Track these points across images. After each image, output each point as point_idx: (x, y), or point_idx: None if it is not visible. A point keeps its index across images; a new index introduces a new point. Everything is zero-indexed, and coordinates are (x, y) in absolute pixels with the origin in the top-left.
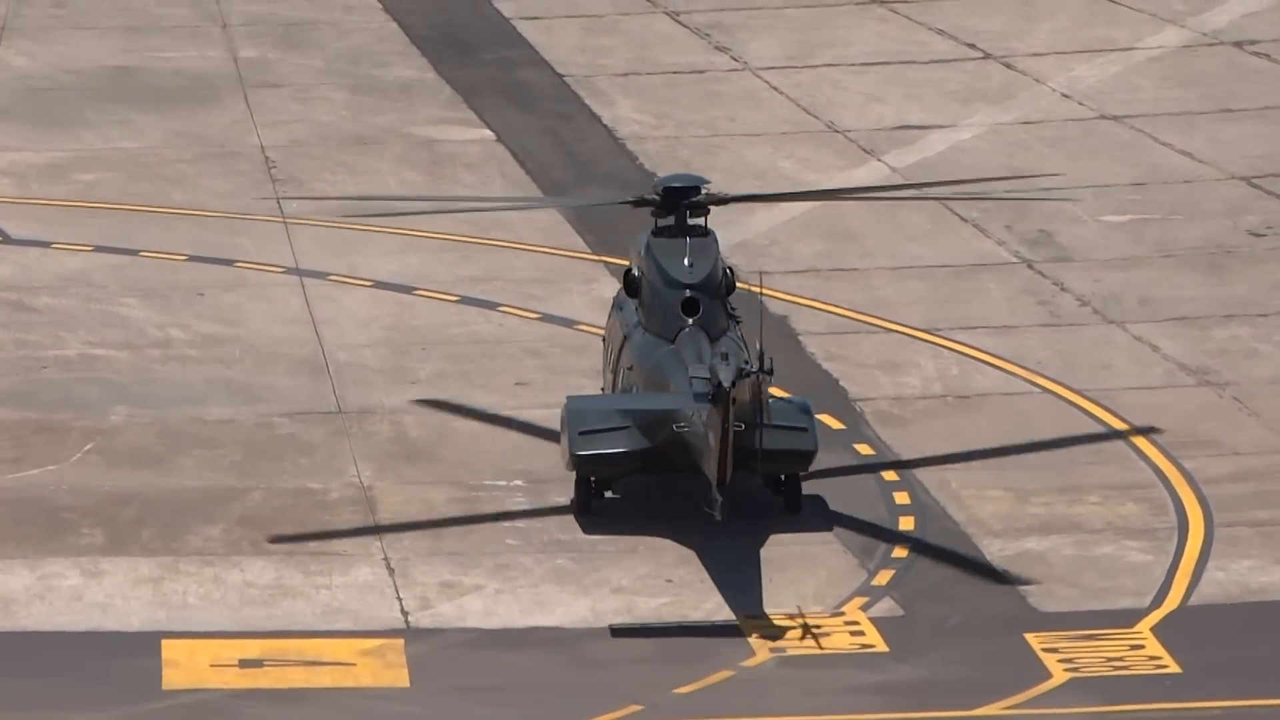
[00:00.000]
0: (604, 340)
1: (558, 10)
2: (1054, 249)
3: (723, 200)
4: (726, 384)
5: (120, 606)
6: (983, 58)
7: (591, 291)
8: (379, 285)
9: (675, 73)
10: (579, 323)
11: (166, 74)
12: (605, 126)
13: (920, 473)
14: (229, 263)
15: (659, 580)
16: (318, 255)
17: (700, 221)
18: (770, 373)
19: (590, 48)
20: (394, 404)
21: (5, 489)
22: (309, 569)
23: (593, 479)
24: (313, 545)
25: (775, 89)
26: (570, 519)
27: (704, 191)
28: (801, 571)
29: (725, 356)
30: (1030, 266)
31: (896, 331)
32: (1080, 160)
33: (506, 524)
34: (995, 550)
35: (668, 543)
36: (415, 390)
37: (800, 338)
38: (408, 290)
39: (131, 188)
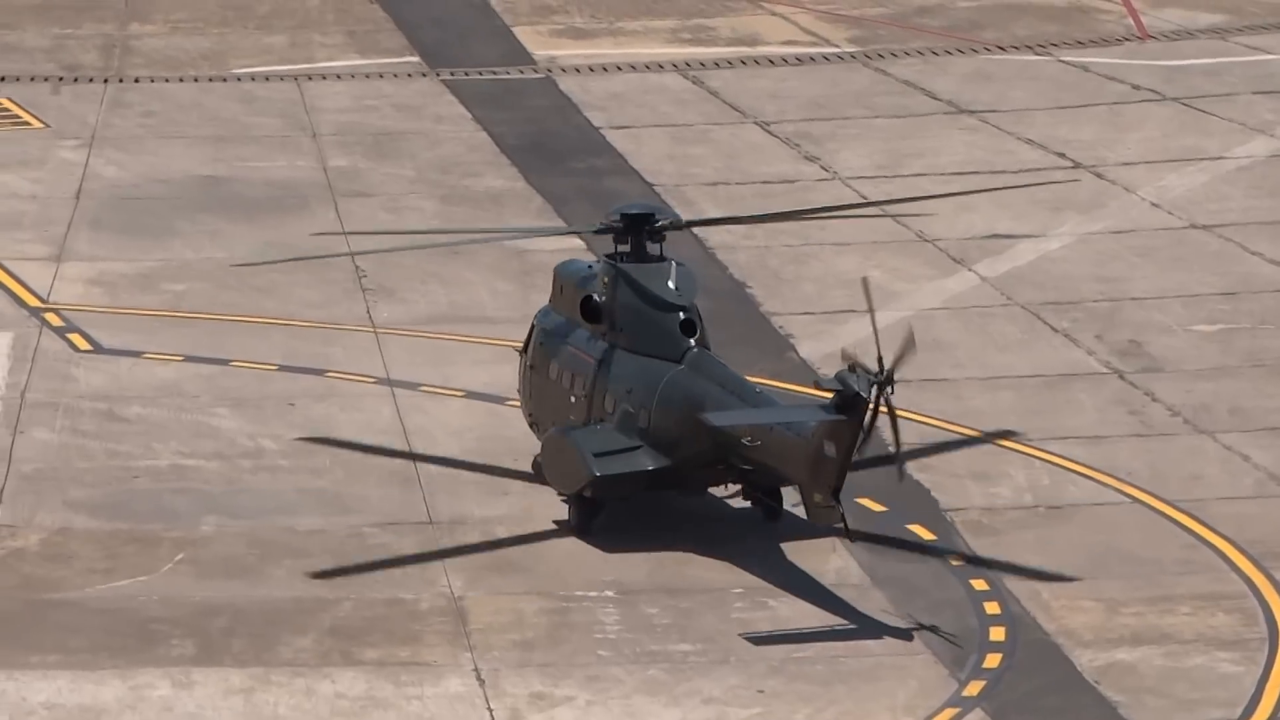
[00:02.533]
0: (529, 369)
1: (646, 120)
2: (1144, 359)
3: (680, 226)
4: (865, 394)
5: (211, 718)
6: (1072, 167)
7: None
8: (471, 395)
9: (765, 182)
10: None
11: (256, 184)
12: (695, 235)
13: (1011, 582)
14: (320, 372)
15: (750, 691)
16: (409, 365)
17: (656, 249)
18: (892, 383)
19: (679, 156)
20: (485, 514)
21: (97, 599)
22: (399, 680)
23: (592, 500)
24: (403, 655)
25: (864, 198)
26: (663, 627)
27: (658, 219)
28: (893, 682)
29: (853, 368)
30: (1121, 377)
31: (987, 442)
32: (1170, 270)
33: (598, 635)
34: (1086, 661)
35: (759, 651)
36: (507, 501)
37: (890, 449)
38: (499, 400)
39: (222, 297)
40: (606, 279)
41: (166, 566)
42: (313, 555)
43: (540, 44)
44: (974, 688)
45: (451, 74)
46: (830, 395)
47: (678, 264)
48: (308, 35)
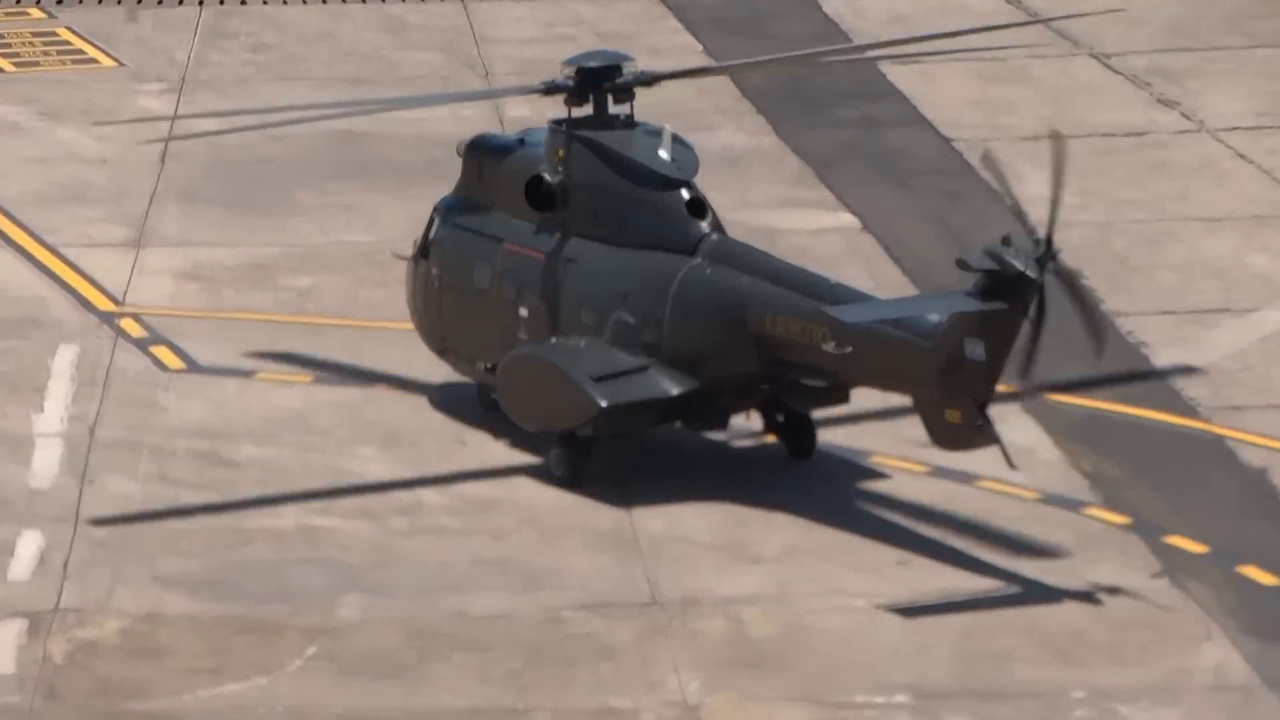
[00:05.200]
0: (433, 277)
1: (942, 50)
2: None
3: (651, 79)
4: (1033, 274)
5: None
6: None
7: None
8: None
9: (1105, 135)
10: (980, 478)
11: (408, 141)
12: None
13: None
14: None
15: None
16: None
17: (626, 111)
18: (1055, 258)
19: (987, 101)
20: (729, 591)
21: (200, 712)
22: None
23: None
24: None
25: (1243, 157)
26: None
27: (625, 71)
28: None
29: (1007, 240)
30: None
31: None
32: None
33: None
34: None
35: None
36: (758, 573)
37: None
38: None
39: (362, 295)
40: (563, 151)
41: (294, 664)
42: (493, 649)
43: None
44: None
45: None
46: (977, 276)
47: (668, 130)
48: None
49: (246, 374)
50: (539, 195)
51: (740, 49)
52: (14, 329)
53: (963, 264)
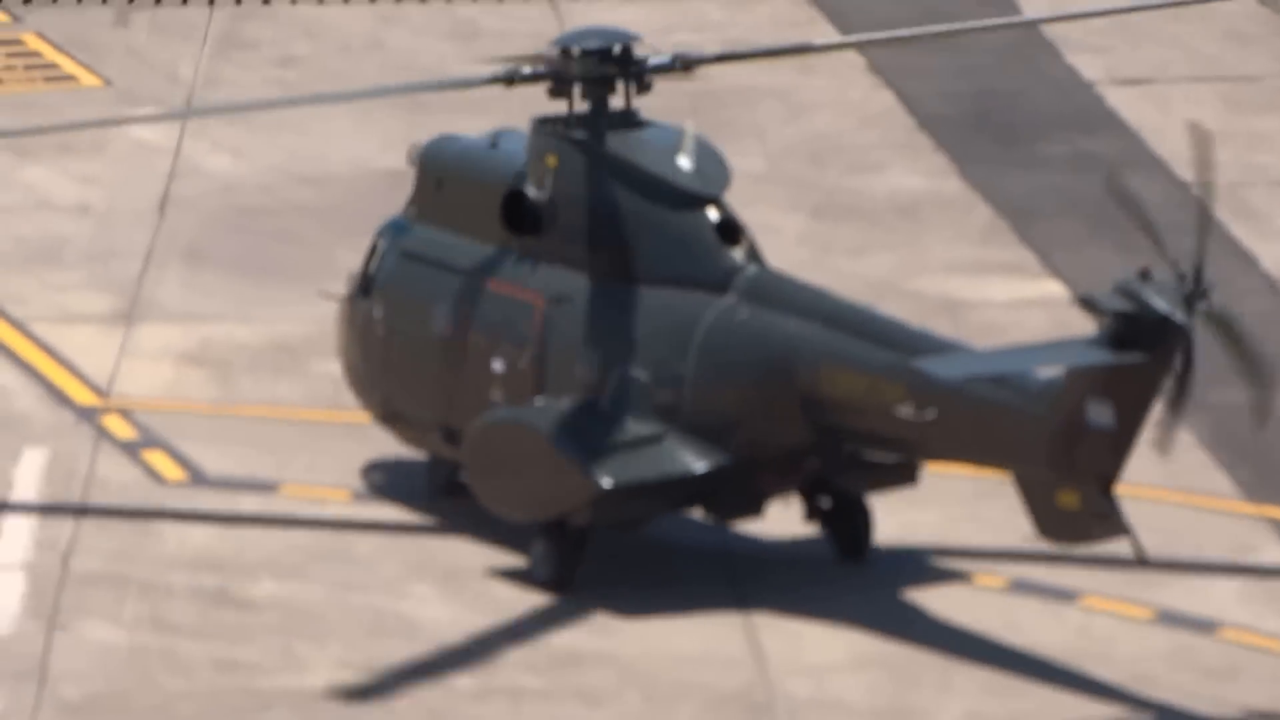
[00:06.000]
0: (376, 322)
1: (1177, 69)
2: None
3: (690, 63)
4: (1181, 318)
5: None
6: None
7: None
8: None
9: None
10: (1221, 625)
11: None
12: (1264, 276)
13: None
14: None
15: None
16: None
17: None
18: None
19: (1239, 134)
20: None
21: None
22: None
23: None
24: None
25: None
26: None
27: (642, 57)
28: None
29: (1146, 274)
30: None
31: None
32: None
33: None
34: None
35: None
36: None
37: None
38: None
39: None
40: (552, 157)
41: None
42: None
43: None
44: None
45: None
46: (1104, 320)
47: (690, 130)
48: None
49: (267, 487)
50: (519, 215)
51: (919, 64)
52: None
53: (1088, 303)
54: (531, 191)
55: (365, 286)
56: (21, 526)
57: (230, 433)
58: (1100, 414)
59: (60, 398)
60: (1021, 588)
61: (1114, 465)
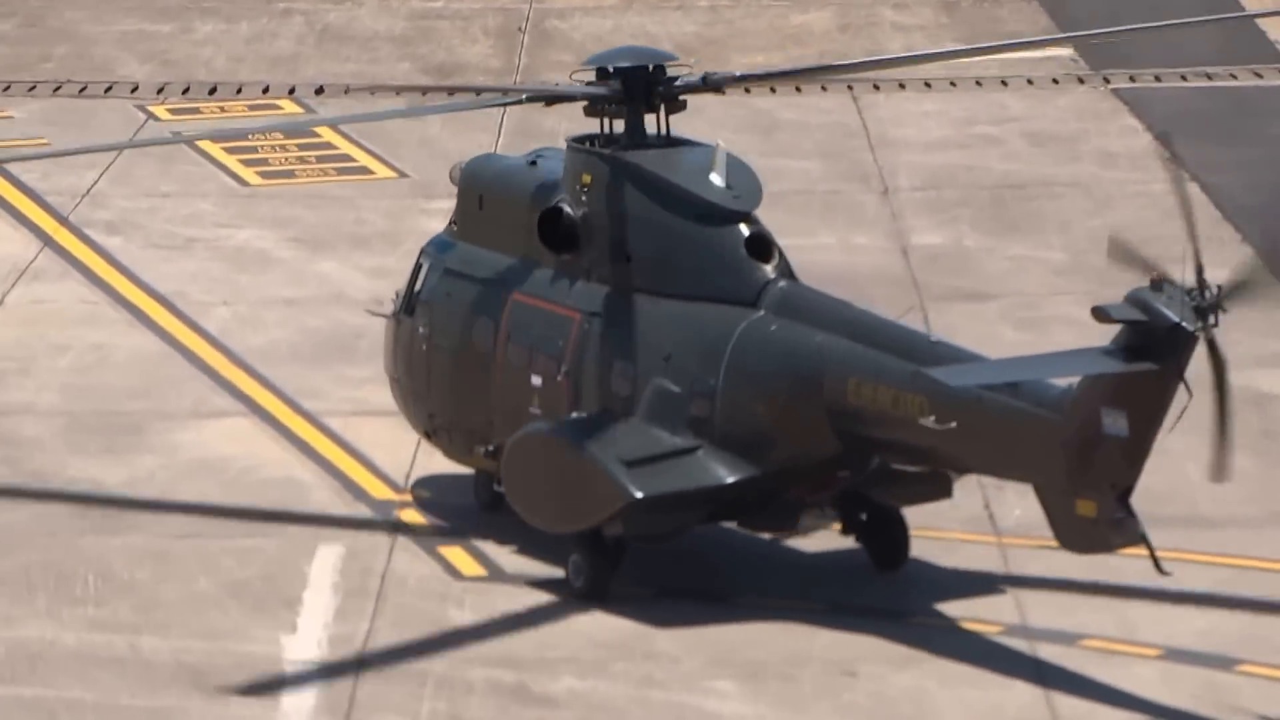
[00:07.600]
0: (421, 338)
1: None
2: None
3: (720, 82)
4: (1190, 326)
5: None
6: None
7: None
8: (1170, 655)
9: None
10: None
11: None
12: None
13: None
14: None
15: None
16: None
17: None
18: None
19: None
20: None
21: None
22: None
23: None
24: None
25: None
26: None
27: (670, 75)
28: None
29: (1158, 283)
30: None
31: None
32: None
33: None
34: None
35: None
36: None
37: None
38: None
39: None
40: (588, 177)
41: None
42: None
43: None
44: None
45: (1131, 78)
46: (1120, 328)
47: (721, 148)
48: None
49: (564, 582)
50: (557, 232)
51: (1223, 155)
52: (261, 523)
53: (1100, 314)
54: (568, 209)
55: (409, 304)
56: (317, 623)
57: (527, 527)
58: (1115, 422)
59: (356, 491)
60: None
61: (1129, 474)
